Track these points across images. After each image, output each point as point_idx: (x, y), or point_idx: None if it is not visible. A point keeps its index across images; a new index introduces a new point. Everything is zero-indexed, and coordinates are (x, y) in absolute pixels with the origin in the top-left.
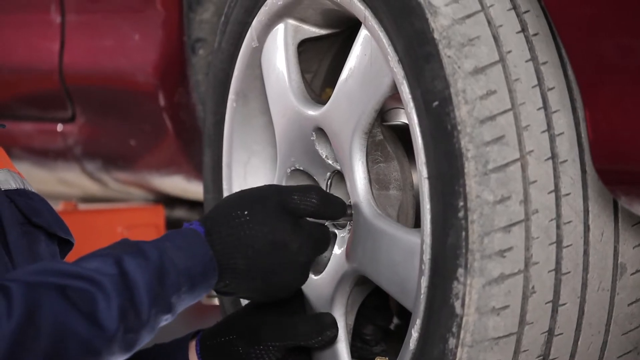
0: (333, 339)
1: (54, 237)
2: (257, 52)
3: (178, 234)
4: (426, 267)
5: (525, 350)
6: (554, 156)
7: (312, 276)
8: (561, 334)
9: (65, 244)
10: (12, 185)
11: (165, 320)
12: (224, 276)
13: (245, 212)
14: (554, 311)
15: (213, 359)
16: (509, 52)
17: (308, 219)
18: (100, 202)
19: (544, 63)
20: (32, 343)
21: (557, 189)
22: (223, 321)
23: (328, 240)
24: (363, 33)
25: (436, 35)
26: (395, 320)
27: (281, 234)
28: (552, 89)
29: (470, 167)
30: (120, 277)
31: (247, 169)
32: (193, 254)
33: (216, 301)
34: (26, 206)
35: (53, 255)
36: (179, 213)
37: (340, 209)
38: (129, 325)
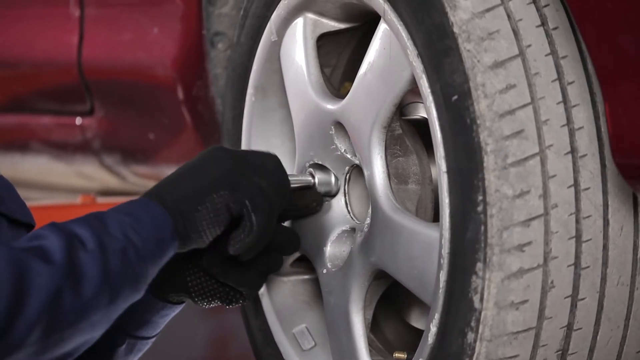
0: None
1: (16, 221)
2: (276, 46)
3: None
4: (445, 262)
5: (544, 345)
6: (573, 150)
7: (330, 270)
8: (580, 328)
9: (27, 227)
10: None
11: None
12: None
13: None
14: (573, 306)
15: None
16: (529, 46)
17: None
18: (118, 196)
19: (564, 57)
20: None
21: (576, 183)
22: None
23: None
24: (382, 27)
25: (456, 29)
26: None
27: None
28: (571, 83)
29: (489, 161)
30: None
31: None
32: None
33: None
34: None
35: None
36: None
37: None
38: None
